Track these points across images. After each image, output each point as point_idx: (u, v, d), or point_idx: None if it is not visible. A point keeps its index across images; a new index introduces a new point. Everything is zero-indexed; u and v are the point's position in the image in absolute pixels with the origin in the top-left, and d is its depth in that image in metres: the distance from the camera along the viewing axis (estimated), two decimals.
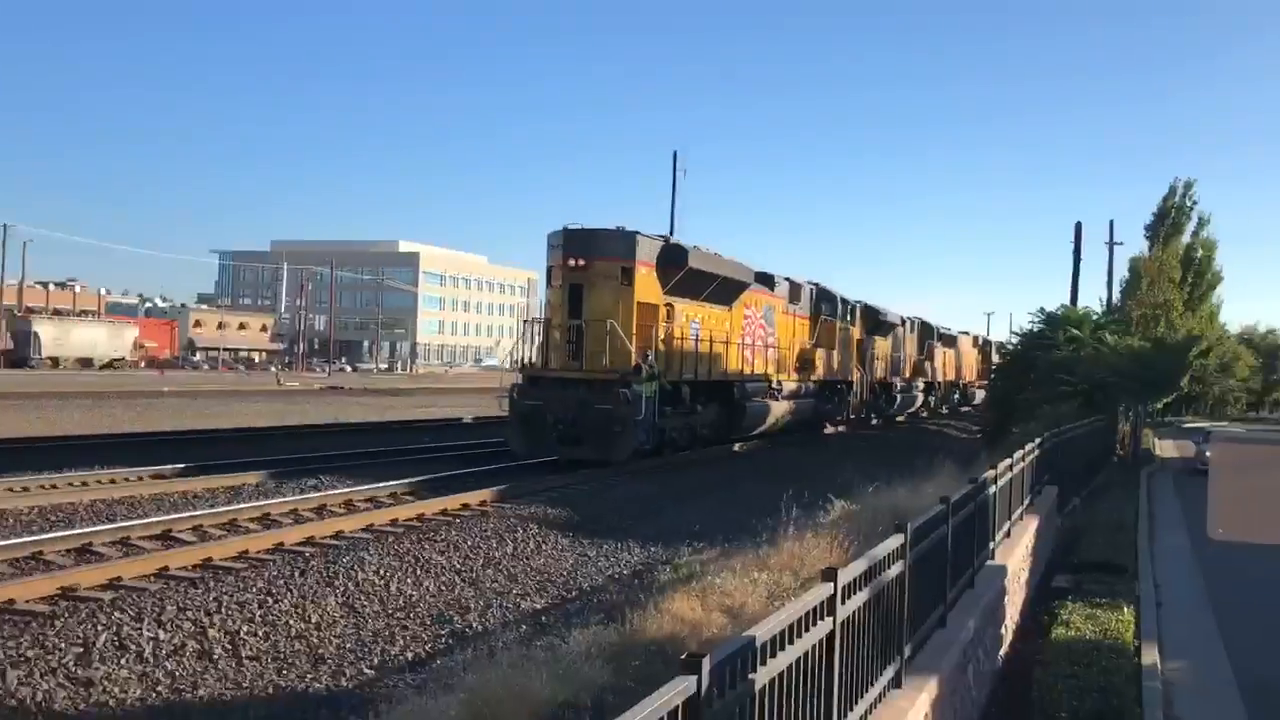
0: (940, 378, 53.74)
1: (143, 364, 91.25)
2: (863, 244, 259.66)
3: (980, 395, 60.72)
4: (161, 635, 8.99)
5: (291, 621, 9.89)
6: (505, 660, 7.78)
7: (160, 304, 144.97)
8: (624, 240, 21.49)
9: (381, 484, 16.97)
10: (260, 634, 9.49)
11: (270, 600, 10.24)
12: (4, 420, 29.34)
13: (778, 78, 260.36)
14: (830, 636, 4.86)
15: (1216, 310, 63.45)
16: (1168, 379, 35.49)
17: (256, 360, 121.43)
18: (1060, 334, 36.57)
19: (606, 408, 20.28)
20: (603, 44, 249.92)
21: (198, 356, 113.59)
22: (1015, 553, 12.02)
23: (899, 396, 44.28)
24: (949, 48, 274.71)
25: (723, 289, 25.04)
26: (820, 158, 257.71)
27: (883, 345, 41.59)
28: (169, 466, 18.01)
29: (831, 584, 4.86)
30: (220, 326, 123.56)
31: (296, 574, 11.14)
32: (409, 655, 9.52)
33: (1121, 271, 51.12)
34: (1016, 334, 44.97)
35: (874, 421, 41.82)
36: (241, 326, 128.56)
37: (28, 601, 9.48)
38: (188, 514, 13.94)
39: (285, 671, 8.82)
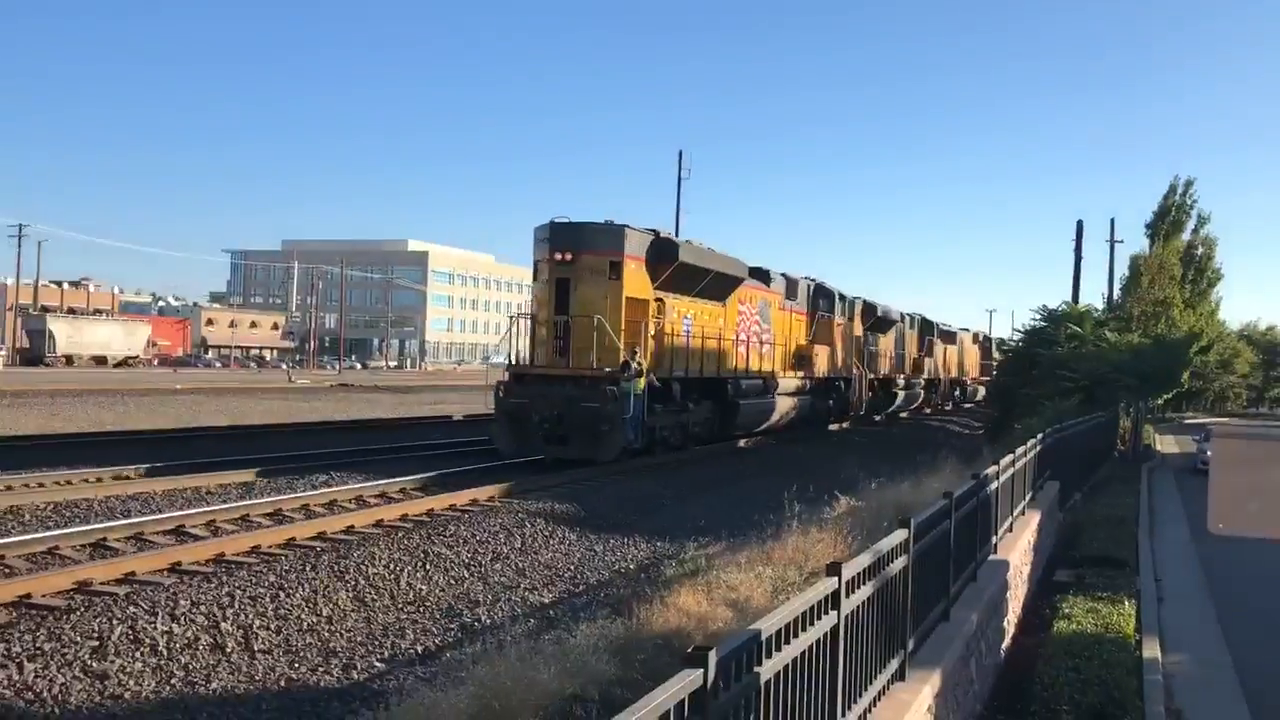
0: (941, 374, 53.70)
1: (155, 362, 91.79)
2: (865, 242, 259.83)
3: (981, 392, 60.80)
4: (175, 629, 9.08)
5: (303, 615, 10.00)
6: (514, 653, 7.84)
7: (173, 303, 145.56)
8: (612, 234, 20.99)
9: (391, 480, 17.09)
10: (272, 628, 9.60)
11: (282, 594, 10.33)
12: (20, 418, 29.56)
13: (778, 75, 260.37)
14: (835, 630, 4.91)
15: (1216, 307, 63.43)
16: (1168, 375, 35.58)
17: (268, 358, 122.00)
18: (1061, 331, 36.66)
19: (593, 406, 19.66)
20: (607, 42, 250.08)
21: (210, 354, 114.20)
22: (1017, 547, 12.10)
23: (901, 393, 44.08)
24: (949, 46, 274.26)
25: (716, 284, 24.63)
26: (821, 156, 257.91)
27: (883, 342, 41.39)
28: (181, 462, 18.17)
29: (836, 578, 4.90)
30: (232, 325, 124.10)
31: (308, 568, 11.24)
32: (419, 648, 9.62)
33: (1122, 269, 51.17)
34: (1018, 331, 45.10)
35: (877, 418, 41.80)
36: (253, 325, 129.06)
37: (44, 596, 9.61)
38: (200, 509, 14.08)
39: (297, 665, 8.92)
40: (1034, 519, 14.25)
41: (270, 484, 16.99)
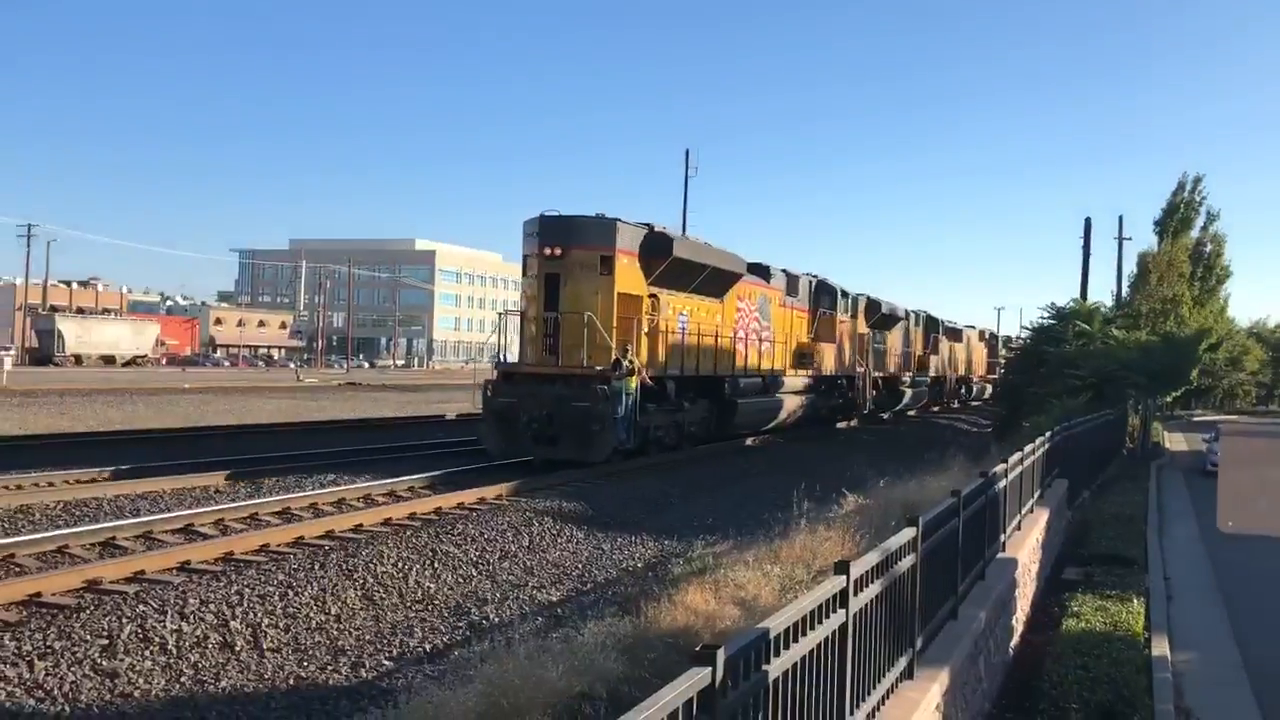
0: (947, 372, 53.53)
1: (164, 361, 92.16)
2: (872, 240, 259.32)
3: (989, 390, 60.67)
4: (184, 628, 9.12)
5: (312, 614, 10.04)
6: (522, 652, 7.84)
7: (181, 302, 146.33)
8: (603, 227, 20.30)
9: (399, 478, 17.11)
10: (281, 626, 9.63)
11: (291, 593, 10.36)
12: (30, 417, 29.68)
13: (777, 70, 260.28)
14: (843, 628, 4.90)
15: (1225, 304, 63.25)
16: (1177, 373, 35.52)
17: (276, 357, 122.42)
18: (1070, 329, 36.59)
19: (584, 405, 19.05)
20: (608, 40, 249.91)
21: (218, 354, 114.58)
22: (1026, 545, 12.08)
23: (907, 391, 43.86)
24: (956, 40, 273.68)
25: (713, 280, 23.93)
26: (822, 153, 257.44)
27: (888, 339, 41.11)
28: (188, 461, 18.23)
29: (844, 576, 4.89)
30: (240, 324, 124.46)
31: (316, 567, 11.27)
32: (427, 646, 9.65)
33: (1130, 266, 51.04)
34: (1026, 329, 45.02)
35: (885, 417, 41.72)
36: (261, 324, 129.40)
37: (54, 594, 9.65)
38: (209, 508, 14.13)
39: (306, 663, 8.95)
40: (1042, 517, 14.22)
41: (278, 482, 17.02)
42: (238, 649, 9.03)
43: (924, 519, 6.71)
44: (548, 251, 20.13)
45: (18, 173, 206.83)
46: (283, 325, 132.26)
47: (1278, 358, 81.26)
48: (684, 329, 22.78)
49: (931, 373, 49.45)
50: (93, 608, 9.33)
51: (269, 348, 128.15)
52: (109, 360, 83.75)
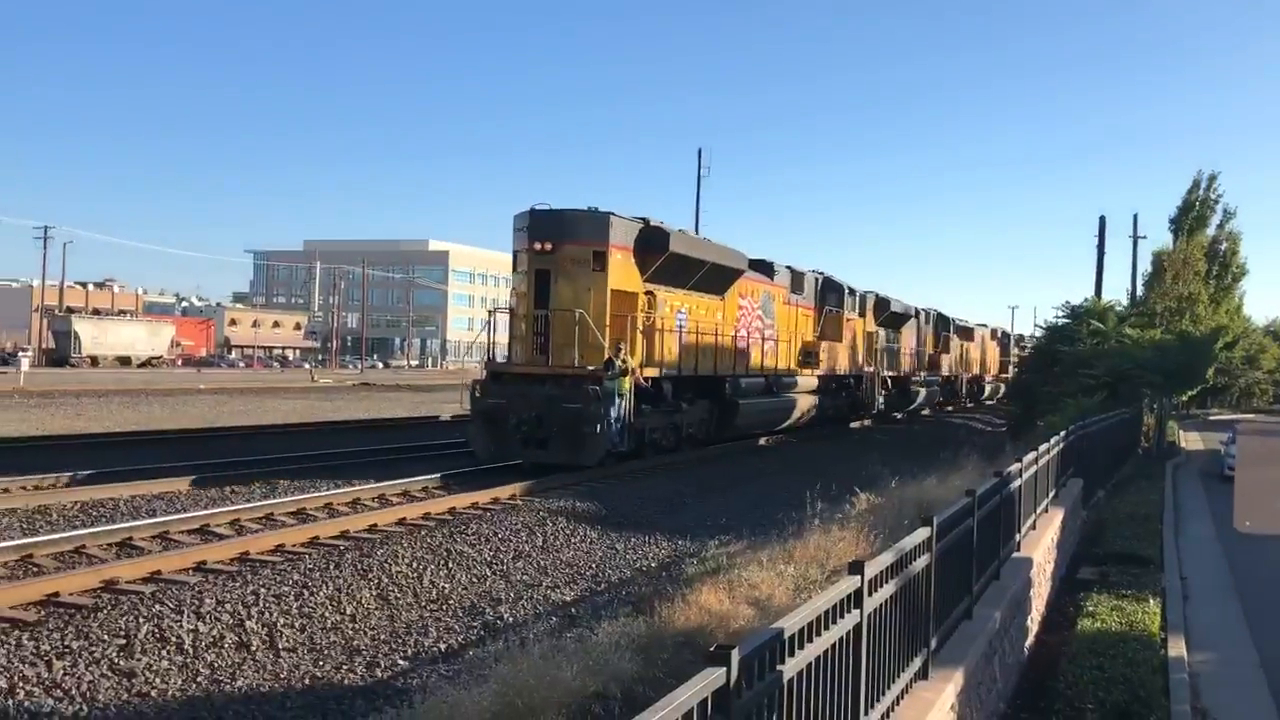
0: (959, 371, 53.28)
1: (179, 362, 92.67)
2: (882, 239, 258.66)
3: (1001, 389, 60.45)
4: (201, 627, 9.17)
5: (327, 614, 10.07)
6: (536, 651, 7.86)
7: (196, 303, 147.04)
8: (596, 222, 19.62)
9: (414, 478, 17.18)
10: (297, 626, 9.67)
11: (306, 593, 10.41)
12: (47, 418, 29.88)
13: (784, 63, 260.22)
14: (857, 628, 4.90)
15: (1241, 302, 62.85)
16: (1192, 372, 35.32)
17: (290, 358, 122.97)
18: (1084, 327, 36.44)
19: (575, 407, 18.34)
20: (612, 39, 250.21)
21: (233, 354, 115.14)
22: (1041, 545, 12.04)
23: (920, 391, 43.61)
24: (967, 32, 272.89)
25: (712, 277, 23.19)
26: (823, 148, 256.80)
27: (899, 337, 40.81)
28: (205, 461, 18.32)
29: (859, 576, 4.89)
30: (255, 325, 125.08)
31: (331, 567, 11.31)
32: (442, 646, 9.67)
33: (1145, 265, 50.76)
34: (1040, 327, 44.85)
35: (898, 416, 41.59)
36: (275, 325, 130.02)
37: (72, 594, 9.72)
38: (225, 509, 14.20)
39: (321, 662, 8.98)
40: (1057, 516, 14.17)
41: (293, 483, 17.09)
42: (254, 649, 9.07)
43: (938, 518, 6.70)
44: (538, 247, 19.55)
45: (36, 175, 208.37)
46: (297, 326, 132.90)
47: None
48: (682, 327, 22.17)
49: (943, 372, 49.25)
50: (110, 607, 9.39)
51: (284, 348, 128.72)
52: (125, 361, 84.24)
